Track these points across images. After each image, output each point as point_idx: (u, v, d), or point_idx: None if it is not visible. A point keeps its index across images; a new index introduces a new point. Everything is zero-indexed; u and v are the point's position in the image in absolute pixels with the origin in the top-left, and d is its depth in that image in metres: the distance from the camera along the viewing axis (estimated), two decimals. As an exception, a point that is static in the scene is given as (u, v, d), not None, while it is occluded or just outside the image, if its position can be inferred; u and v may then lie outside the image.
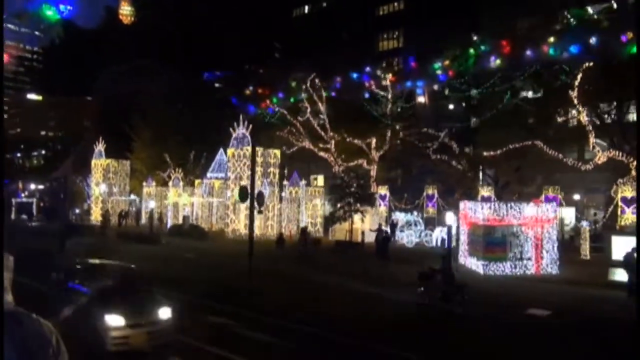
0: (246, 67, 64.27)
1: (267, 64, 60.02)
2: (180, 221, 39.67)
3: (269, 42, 68.38)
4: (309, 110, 37.87)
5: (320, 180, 47.75)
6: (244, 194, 16.57)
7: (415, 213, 32.46)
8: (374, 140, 37.34)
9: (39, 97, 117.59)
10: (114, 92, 59.70)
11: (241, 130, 32.54)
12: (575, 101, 25.40)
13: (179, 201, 42.39)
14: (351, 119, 36.24)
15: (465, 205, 22.95)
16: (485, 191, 31.00)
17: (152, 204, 31.26)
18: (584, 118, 25.77)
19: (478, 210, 21.21)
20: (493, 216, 20.50)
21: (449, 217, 17.47)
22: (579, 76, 24.82)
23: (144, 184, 46.63)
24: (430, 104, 38.50)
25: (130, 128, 51.01)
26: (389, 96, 36.37)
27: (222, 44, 62.79)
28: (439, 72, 34.01)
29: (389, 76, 36.28)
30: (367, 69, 38.08)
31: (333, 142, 37.76)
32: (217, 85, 65.47)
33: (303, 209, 34.75)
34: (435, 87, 36.42)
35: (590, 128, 25.79)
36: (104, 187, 44.10)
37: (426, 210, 33.70)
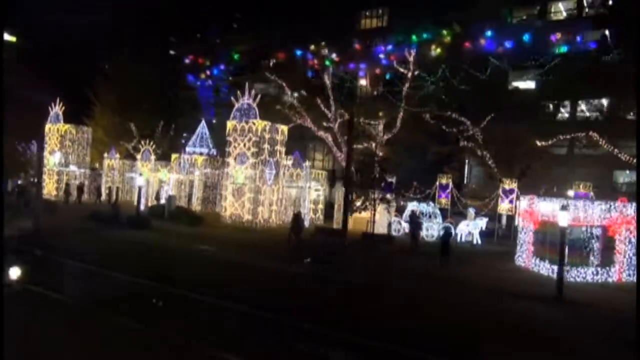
0: (204, 37, 58.96)
1: (230, 33, 55.58)
2: (156, 201, 34.79)
3: (238, 10, 63.18)
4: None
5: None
6: (333, 179, 12.83)
7: (431, 203, 29.80)
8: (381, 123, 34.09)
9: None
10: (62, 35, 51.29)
11: (246, 101, 28.06)
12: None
13: (152, 177, 37.16)
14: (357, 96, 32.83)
15: (532, 200, 20.43)
16: (508, 184, 28.90)
17: (140, 180, 26.15)
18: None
19: (554, 208, 18.74)
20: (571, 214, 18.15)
21: (563, 217, 14.66)
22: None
23: (105, 155, 40.70)
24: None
25: (90, 89, 44.41)
26: (409, 75, 33.10)
27: (196, 11, 57.09)
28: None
29: (412, 54, 33.05)
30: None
31: (338, 121, 34.01)
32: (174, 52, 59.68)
33: (306, 194, 30.96)
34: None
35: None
36: (59, 156, 37.75)
37: (438, 201, 31.19)
